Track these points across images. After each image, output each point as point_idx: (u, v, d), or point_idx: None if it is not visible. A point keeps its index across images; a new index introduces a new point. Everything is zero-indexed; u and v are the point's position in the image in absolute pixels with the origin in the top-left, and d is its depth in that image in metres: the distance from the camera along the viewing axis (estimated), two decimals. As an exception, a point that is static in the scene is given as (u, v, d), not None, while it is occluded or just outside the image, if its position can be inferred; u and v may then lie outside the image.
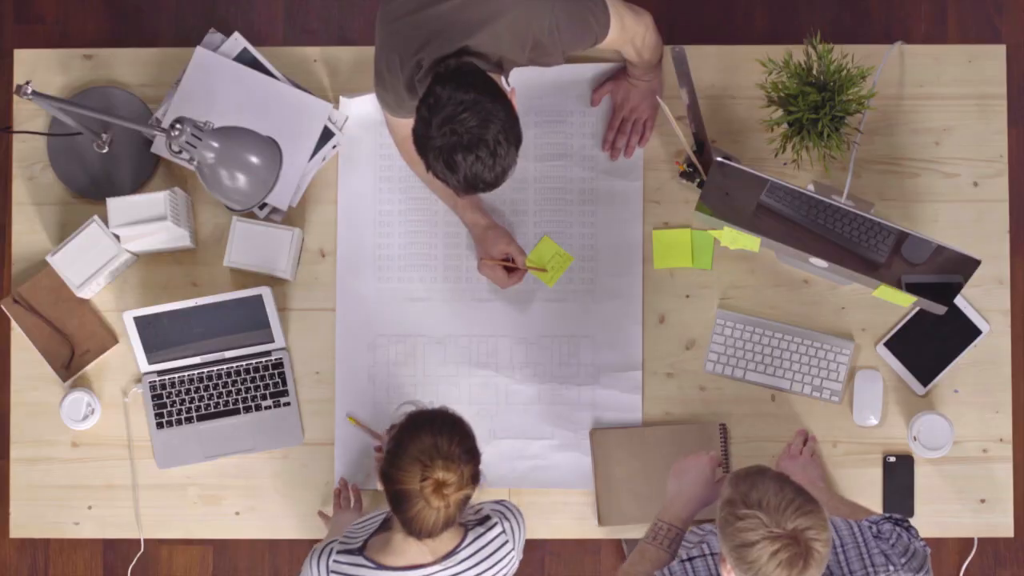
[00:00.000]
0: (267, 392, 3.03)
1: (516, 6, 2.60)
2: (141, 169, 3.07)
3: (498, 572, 2.57)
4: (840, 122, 2.75)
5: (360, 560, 2.50)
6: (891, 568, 2.43)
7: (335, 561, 2.51)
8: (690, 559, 2.50)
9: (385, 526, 2.58)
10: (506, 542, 2.57)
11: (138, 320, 3.00)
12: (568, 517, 3.02)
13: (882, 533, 2.49)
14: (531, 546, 3.72)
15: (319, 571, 2.52)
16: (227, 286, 3.06)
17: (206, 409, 3.03)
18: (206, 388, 3.03)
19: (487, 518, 2.57)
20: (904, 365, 3.00)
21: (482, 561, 2.54)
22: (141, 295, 3.06)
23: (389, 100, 2.77)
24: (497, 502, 2.63)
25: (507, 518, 2.59)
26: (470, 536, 2.54)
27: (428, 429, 2.41)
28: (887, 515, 2.54)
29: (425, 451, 2.38)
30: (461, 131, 2.48)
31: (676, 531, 2.66)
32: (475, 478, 2.43)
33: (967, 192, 3.04)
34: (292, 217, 3.07)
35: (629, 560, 2.68)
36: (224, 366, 3.03)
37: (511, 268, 2.98)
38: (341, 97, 3.06)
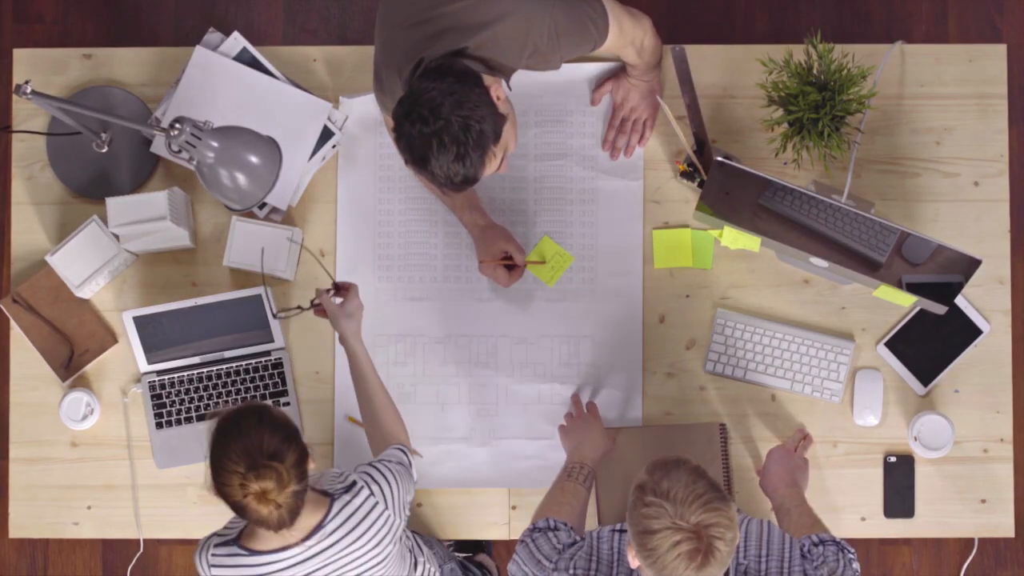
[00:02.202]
0: (267, 392, 3.02)
1: (515, 12, 2.59)
2: (140, 169, 3.07)
3: (373, 535, 2.57)
4: (840, 122, 2.75)
5: (235, 549, 2.54)
6: None
7: (213, 555, 2.55)
8: (622, 530, 2.52)
9: None
10: (376, 504, 2.57)
11: (137, 320, 2.99)
12: (568, 517, 3.02)
13: (811, 554, 2.50)
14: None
15: (202, 566, 2.57)
16: (227, 286, 3.06)
17: (206, 409, 3.02)
18: (205, 388, 3.02)
19: (353, 484, 2.57)
20: (904, 365, 3.00)
21: (354, 529, 2.55)
22: (140, 295, 3.06)
23: (387, 103, 2.76)
24: (368, 464, 2.61)
25: (375, 480, 2.58)
26: (336, 506, 2.54)
27: (236, 434, 2.40)
28: (835, 539, 2.54)
29: (238, 459, 2.38)
30: (425, 114, 2.47)
31: (588, 469, 2.78)
32: (299, 463, 2.41)
33: (968, 192, 3.04)
34: (292, 217, 3.06)
35: (549, 496, 2.72)
36: (224, 366, 3.02)
37: (511, 266, 2.98)
38: (341, 97, 3.06)
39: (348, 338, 2.75)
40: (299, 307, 2.88)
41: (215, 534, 2.59)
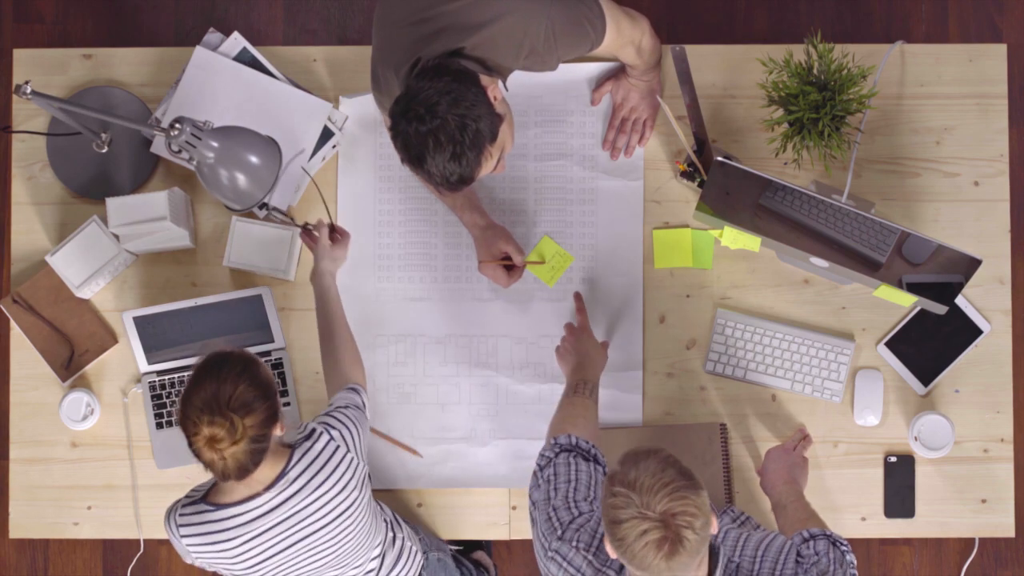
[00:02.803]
0: (267, 392, 3.02)
1: (512, 13, 2.59)
2: (140, 169, 3.07)
3: (339, 479, 2.59)
4: (841, 121, 2.75)
5: (201, 507, 2.57)
6: None
7: (180, 515, 2.58)
8: None
9: None
10: (338, 447, 2.60)
11: (138, 320, 2.99)
12: (568, 517, 3.01)
13: (803, 555, 2.50)
14: (530, 545, 3.71)
15: (170, 529, 2.60)
16: (227, 286, 3.06)
17: (206, 409, 3.02)
18: (206, 388, 3.02)
19: (313, 431, 2.60)
20: (905, 365, 3.00)
21: (317, 473, 2.57)
22: (141, 295, 3.06)
23: (385, 102, 2.76)
24: (324, 414, 2.64)
25: (333, 427, 2.61)
26: (297, 454, 2.58)
27: (213, 375, 2.44)
28: (826, 533, 2.54)
29: (203, 402, 2.42)
30: (421, 112, 2.47)
31: (592, 384, 2.79)
32: (263, 423, 2.45)
33: (968, 191, 3.04)
34: (292, 217, 3.06)
35: (562, 412, 2.74)
36: (224, 366, 3.02)
37: (511, 266, 2.98)
38: (341, 97, 3.06)
39: (324, 275, 2.82)
40: (292, 219, 2.97)
41: (184, 497, 2.62)
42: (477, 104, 2.50)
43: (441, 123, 2.48)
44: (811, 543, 2.53)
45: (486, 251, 2.98)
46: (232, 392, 2.42)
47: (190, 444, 2.44)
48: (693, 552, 2.25)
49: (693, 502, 2.25)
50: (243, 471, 2.46)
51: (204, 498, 2.58)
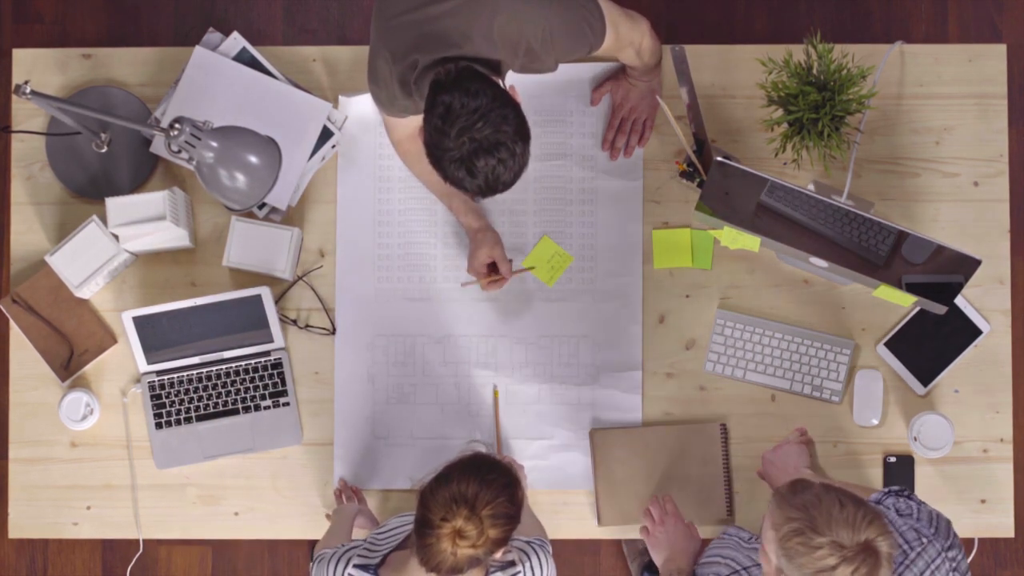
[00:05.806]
0: (266, 392, 3.02)
1: (509, 10, 2.59)
2: (140, 169, 3.07)
3: None
4: (840, 122, 2.75)
5: None
6: (924, 541, 2.44)
7: (350, 574, 2.51)
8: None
9: (405, 544, 2.56)
10: None
11: (137, 320, 2.99)
12: (568, 517, 3.01)
13: (901, 510, 2.49)
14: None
15: (327, 573, 2.52)
16: (226, 286, 3.06)
17: (205, 409, 3.02)
18: (205, 388, 3.02)
19: (511, 563, 2.53)
20: (904, 365, 3.00)
21: None
22: (140, 295, 3.06)
23: (382, 97, 2.76)
24: (528, 541, 2.57)
25: (531, 567, 2.55)
26: None
27: (480, 477, 2.39)
28: (887, 489, 2.53)
29: (463, 495, 2.36)
30: (480, 138, 2.50)
31: (686, 570, 2.72)
32: (498, 543, 2.39)
33: (967, 192, 3.04)
34: (291, 217, 3.06)
35: None
36: (223, 366, 3.02)
37: (496, 275, 2.98)
38: (340, 96, 3.06)
39: None
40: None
41: (357, 550, 2.54)
42: (518, 119, 2.54)
43: (508, 153, 2.52)
44: (893, 502, 2.54)
45: (473, 255, 2.98)
46: (493, 500, 2.37)
47: (428, 523, 2.36)
48: (892, 561, 2.29)
49: (880, 518, 2.28)
50: (454, 572, 2.38)
51: (378, 570, 2.51)
